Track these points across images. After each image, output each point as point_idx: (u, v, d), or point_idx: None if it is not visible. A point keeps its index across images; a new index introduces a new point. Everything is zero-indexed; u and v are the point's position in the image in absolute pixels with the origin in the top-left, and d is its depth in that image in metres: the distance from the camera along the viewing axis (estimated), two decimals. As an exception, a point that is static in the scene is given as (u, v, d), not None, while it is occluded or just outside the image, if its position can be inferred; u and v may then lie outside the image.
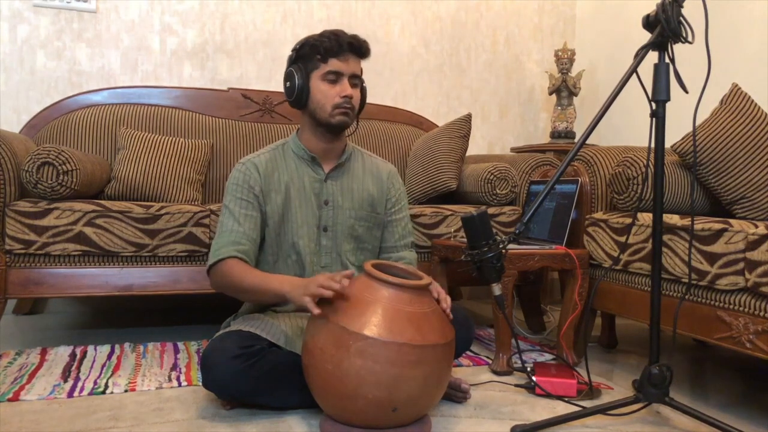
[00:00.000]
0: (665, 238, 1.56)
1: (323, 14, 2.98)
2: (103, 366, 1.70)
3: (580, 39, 3.44)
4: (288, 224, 1.50)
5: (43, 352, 1.81)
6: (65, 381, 1.56)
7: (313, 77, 1.46)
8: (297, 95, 1.47)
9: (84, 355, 1.81)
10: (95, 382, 1.55)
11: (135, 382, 1.55)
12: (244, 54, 2.86)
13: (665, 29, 1.26)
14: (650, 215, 1.59)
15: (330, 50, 1.43)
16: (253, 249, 1.46)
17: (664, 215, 1.40)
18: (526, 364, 1.72)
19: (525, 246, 1.83)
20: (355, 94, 1.48)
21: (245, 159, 1.52)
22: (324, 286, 1.18)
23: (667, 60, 1.30)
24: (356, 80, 1.49)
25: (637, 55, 1.31)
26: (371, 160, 1.64)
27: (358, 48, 1.47)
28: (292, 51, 1.50)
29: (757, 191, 1.75)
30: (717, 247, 1.42)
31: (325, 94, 1.45)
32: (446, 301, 1.33)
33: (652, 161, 1.37)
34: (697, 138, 1.77)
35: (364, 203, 1.57)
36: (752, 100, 1.84)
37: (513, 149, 3.30)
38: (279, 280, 1.34)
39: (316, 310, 1.18)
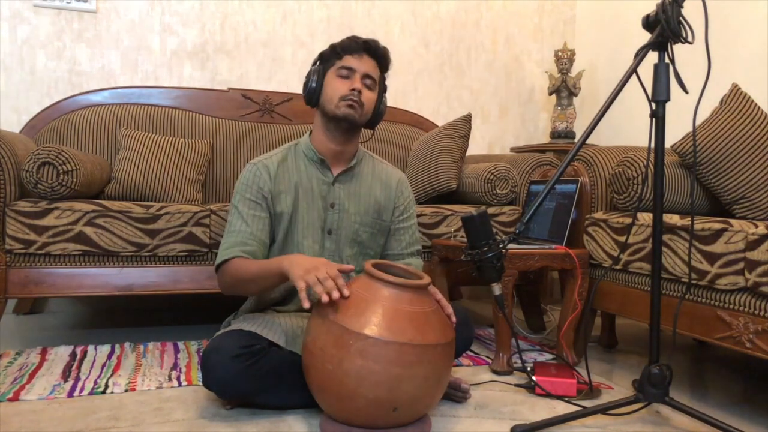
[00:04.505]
0: (665, 237, 1.56)
1: (323, 14, 2.98)
2: (103, 366, 1.70)
3: (580, 39, 3.44)
4: (295, 224, 1.51)
5: (43, 352, 1.81)
6: (65, 381, 1.56)
7: (328, 74, 1.50)
8: (309, 91, 1.50)
9: (84, 354, 1.81)
10: (95, 382, 1.55)
11: (135, 382, 1.56)
12: (244, 54, 2.86)
13: (665, 29, 1.26)
14: (650, 215, 1.59)
15: (346, 48, 1.48)
16: (261, 250, 1.46)
17: (664, 215, 1.40)
18: (526, 364, 1.72)
19: (525, 246, 1.83)
20: (368, 94, 1.49)
21: (257, 160, 1.52)
22: (325, 289, 1.17)
23: (667, 60, 1.30)
24: (370, 81, 1.50)
25: (637, 55, 1.31)
26: (381, 167, 1.64)
27: (374, 49, 1.50)
28: (317, 56, 1.55)
29: (757, 191, 1.75)
30: (717, 247, 1.43)
31: (335, 88, 1.47)
32: (448, 308, 1.33)
33: (652, 161, 1.37)
34: (697, 138, 1.78)
35: (370, 209, 1.57)
36: (752, 100, 1.84)
37: (513, 149, 3.30)
38: (278, 259, 1.33)
39: (306, 304, 1.17)
